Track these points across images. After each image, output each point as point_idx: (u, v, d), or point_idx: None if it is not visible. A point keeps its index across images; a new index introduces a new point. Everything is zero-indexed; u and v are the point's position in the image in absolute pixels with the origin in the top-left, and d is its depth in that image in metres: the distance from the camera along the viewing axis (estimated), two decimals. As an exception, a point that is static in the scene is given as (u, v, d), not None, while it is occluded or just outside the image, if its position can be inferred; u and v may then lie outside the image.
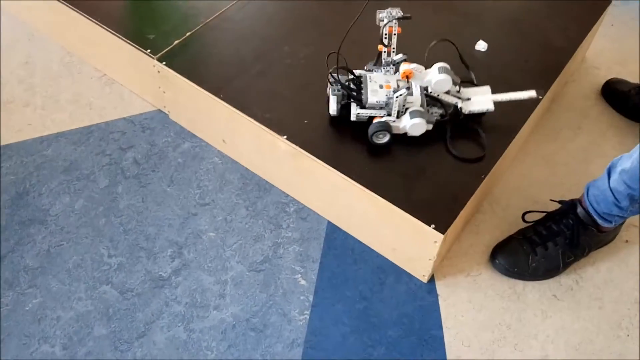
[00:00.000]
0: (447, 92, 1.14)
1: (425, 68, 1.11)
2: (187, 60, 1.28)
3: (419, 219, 1.02)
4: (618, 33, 1.64)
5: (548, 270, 1.15)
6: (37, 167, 1.30)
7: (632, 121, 1.43)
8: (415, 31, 1.17)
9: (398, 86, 1.13)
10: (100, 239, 1.18)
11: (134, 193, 1.26)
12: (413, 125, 1.11)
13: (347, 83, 1.15)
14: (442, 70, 1.08)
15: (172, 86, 1.29)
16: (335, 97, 1.15)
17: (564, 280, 1.15)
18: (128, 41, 1.30)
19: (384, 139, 1.13)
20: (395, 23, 1.09)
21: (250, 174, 1.30)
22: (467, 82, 1.22)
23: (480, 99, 1.17)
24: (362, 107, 1.13)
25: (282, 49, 1.31)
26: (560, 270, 1.15)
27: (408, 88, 1.11)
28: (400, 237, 1.10)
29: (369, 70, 1.18)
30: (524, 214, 1.20)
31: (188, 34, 1.32)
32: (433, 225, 1.01)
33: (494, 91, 1.19)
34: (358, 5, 1.09)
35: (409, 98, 1.13)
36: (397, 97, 1.10)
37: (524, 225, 1.19)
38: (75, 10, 1.36)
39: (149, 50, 1.28)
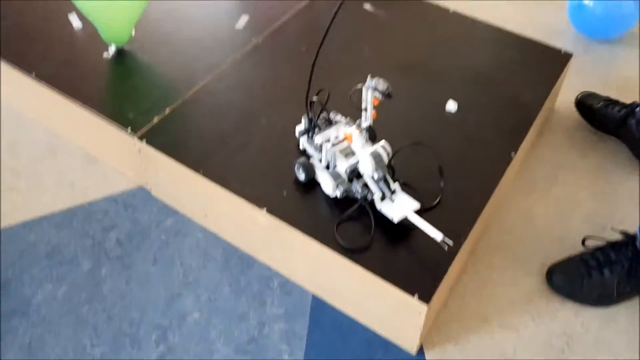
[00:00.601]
0: (378, 180, 1.11)
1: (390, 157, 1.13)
2: (167, 137, 1.29)
3: (401, 288, 1.02)
4: (583, 82, 1.69)
5: (601, 296, 1.18)
6: (19, 254, 1.30)
7: (607, 170, 1.46)
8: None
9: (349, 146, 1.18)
10: (83, 328, 1.17)
11: (117, 275, 1.25)
12: (321, 178, 1.17)
13: (317, 116, 1.21)
14: (372, 154, 1.08)
15: (153, 163, 1.31)
16: (304, 120, 1.23)
17: (555, 341, 1.15)
18: (109, 120, 1.32)
19: (300, 175, 1.19)
20: (371, 92, 1.12)
21: (233, 247, 1.30)
22: (411, 188, 1.16)
23: (398, 207, 1.10)
24: (309, 141, 1.23)
25: (260, 120, 1.33)
26: (615, 300, 1.18)
27: (334, 145, 1.17)
28: (384, 308, 1.09)
29: (348, 123, 1.22)
30: (584, 239, 1.25)
31: (168, 110, 1.35)
32: (417, 295, 1.01)
33: (464, 150, 1.22)
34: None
35: (340, 159, 1.16)
36: (325, 146, 1.16)
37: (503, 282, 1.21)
38: (58, 92, 1.39)
39: (129, 129, 1.30)
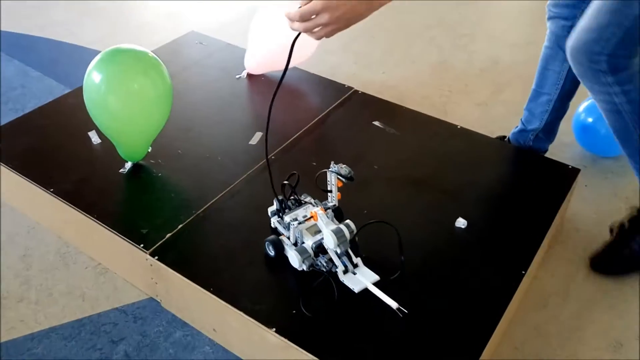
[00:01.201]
0: (340, 255, 1.22)
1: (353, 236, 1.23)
2: (179, 254, 1.32)
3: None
4: (592, 193, 1.71)
5: None
6: (26, 368, 1.29)
7: (619, 283, 1.45)
8: (397, 209, 1.25)
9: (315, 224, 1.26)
10: None
11: (123, 392, 1.24)
12: (289, 254, 1.26)
13: (287, 198, 1.32)
14: (335, 231, 1.19)
15: (164, 278, 1.32)
16: (275, 202, 1.33)
17: None
18: (122, 237, 1.35)
19: (270, 252, 1.30)
20: (334, 175, 1.27)
21: (242, 362, 1.29)
22: (373, 262, 1.25)
23: (359, 279, 1.21)
24: (279, 220, 1.33)
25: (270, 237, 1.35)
26: None
27: (300, 223, 1.27)
28: None
29: (316, 204, 1.33)
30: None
31: (180, 226, 1.38)
32: None
33: (475, 265, 1.22)
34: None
35: (306, 236, 1.25)
36: (293, 224, 1.26)
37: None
38: (74, 208, 1.43)
39: (142, 245, 1.33)
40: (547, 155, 1.64)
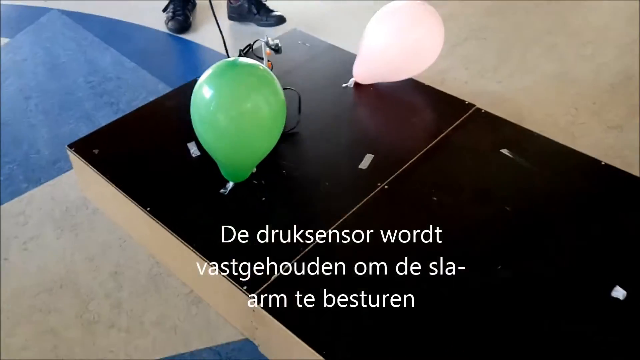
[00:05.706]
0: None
1: None
2: (284, 299, 1.16)
3: None
4: None
5: None
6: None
7: None
8: (536, 265, 1.02)
9: None
10: None
11: None
12: None
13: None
14: None
15: (267, 327, 1.18)
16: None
17: None
18: (224, 276, 1.21)
19: None
20: (264, 45, 1.53)
21: None
22: None
23: None
24: None
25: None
26: None
27: None
28: None
29: None
30: None
31: (288, 264, 1.22)
32: None
33: None
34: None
35: None
36: None
37: None
38: (171, 233, 1.30)
39: (245, 288, 1.18)
40: None
